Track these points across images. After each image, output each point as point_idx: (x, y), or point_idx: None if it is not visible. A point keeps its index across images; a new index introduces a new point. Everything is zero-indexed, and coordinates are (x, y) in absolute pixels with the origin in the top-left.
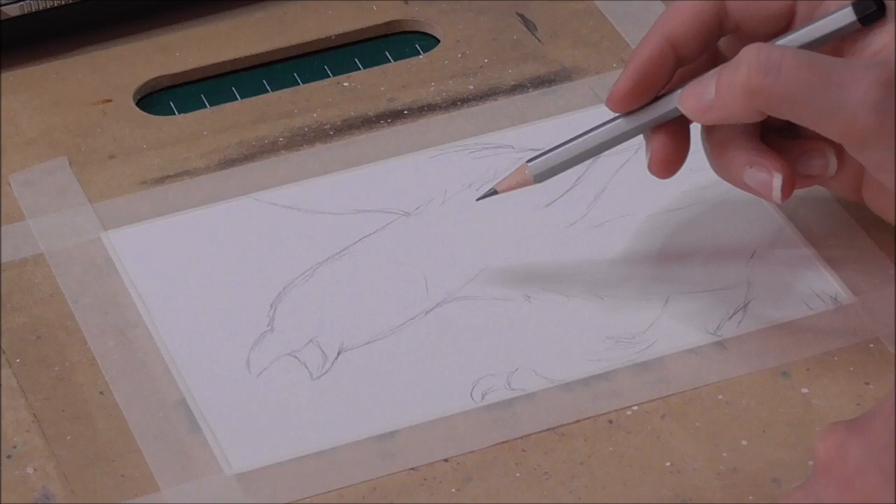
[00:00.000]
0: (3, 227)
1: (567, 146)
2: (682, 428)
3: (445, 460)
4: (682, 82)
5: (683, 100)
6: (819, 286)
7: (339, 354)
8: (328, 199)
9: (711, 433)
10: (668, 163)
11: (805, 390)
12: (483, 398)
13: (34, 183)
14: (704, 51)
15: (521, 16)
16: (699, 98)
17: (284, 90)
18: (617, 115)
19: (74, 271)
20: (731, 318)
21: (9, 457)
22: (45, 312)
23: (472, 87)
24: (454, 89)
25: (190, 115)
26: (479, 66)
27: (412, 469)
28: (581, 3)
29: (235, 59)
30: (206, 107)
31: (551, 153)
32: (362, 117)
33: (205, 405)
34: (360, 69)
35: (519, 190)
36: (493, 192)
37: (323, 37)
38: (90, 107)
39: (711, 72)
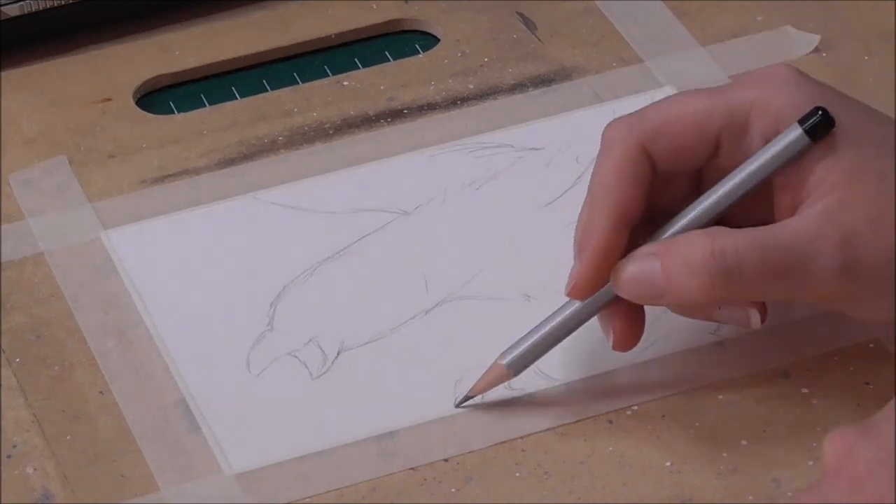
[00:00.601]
0: (2, 227)
1: (539, 334)
2: (682, 428)
3: (445, 460)
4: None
5: (628, 289)
6: None
7: (338, 354)
8: (328, 199)
9: (711, 433)
10: (630, 338)
11: (805, 390)
12: (483, 398)
13: (34, 182)
14: (645, 206)
15: (521, 15)
16: (647, 286)
17: (284, 89)
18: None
19: (74, 271)
20: None
21: (9, 457)
22: (44, 312)
23: (471, 87)
24: (454, 88)
25: (190, 115)
26: (478, 65)
27: (412, 469)
28: (581, 3)
29: (235, 58)
30: (205, 106)
31: (523, 345)
32: (362, 116)
33: (204, 405)
34: (359, 68)
35: (519, 189)
36: (469, 397)
37: (323, 36)
38: (90, 106)
39: (648, 250)
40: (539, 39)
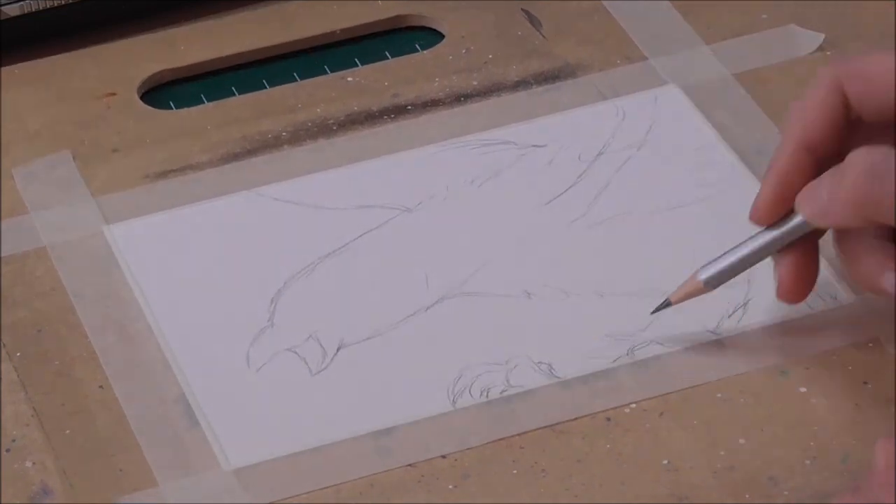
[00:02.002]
0: (5, 221)
1: (739, 254)
2: (679, 426)
3: (443, 457)
4: None
5: (801, 202)
6: (819, 285)
7: (338, 350)
8: (330, 195)
9: (709, 431)
10: (799, 286)
11: (803, 389)
12: (482, 395)
13: (37, 176)
14: (840, 145)
15: (527, 12)
16: (814, 202)
17: (288, 85)
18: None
19: (76, 265)
20: (730, 316)
21: (8, 450)
22: (46, 306)
23: (475, 83)
24: (458, 85)
25: (193, 110)
26: (483, 62)
27: (410, 465)
28: (586, 1)
29: (241, 54)
30: (209, 101)
31: (723, 261)
32: (365, 112)
33: (204, 400)
34: (364, 64)
35: (522, 186)
36: (668, 304)
37: (328, 32)
38: (94, 100)
39: (828, 171)
40: (544, 37)
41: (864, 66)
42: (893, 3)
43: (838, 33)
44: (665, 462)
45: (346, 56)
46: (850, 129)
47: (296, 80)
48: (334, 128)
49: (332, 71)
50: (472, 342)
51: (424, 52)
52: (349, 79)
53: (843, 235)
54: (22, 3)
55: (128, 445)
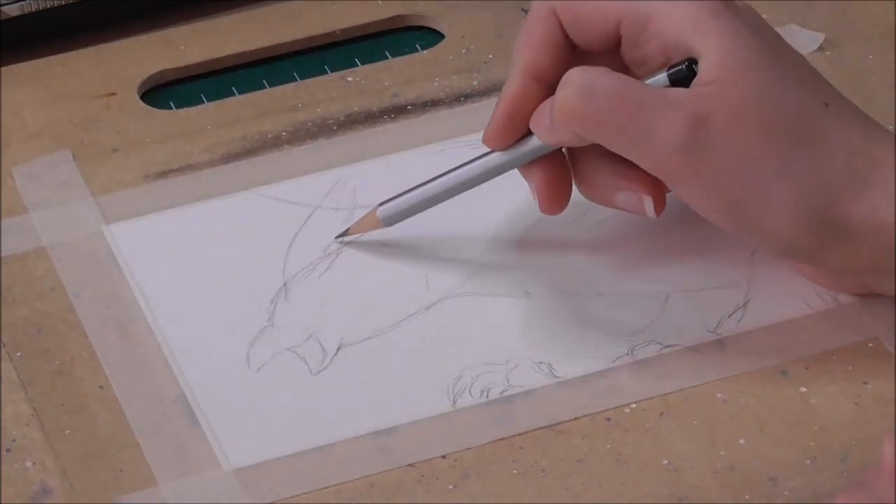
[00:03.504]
0: (5, 220)
1: (420, 189)
2: (679, 426)
3: (443, 457)
4: None
5: (533, 121)
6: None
7: (338, 350)
8: (330, 194)
9: (709, 431)
10: (553, 197)
11: (803, 389)
12: (482, 395)
13: (37, 176)
14: (565, 69)
15: (526, 12)
16: (541, 119)
17: (288, 85)
18: (483, 153)
19: (76, 265)
20: (730, 316)
21: (8, 450)
22: (46, 306)
23: (476, 83)
24: (458, 85)
25: (193, 110)
26: (483, 61)
27: (410, 465)
28: None
29: (241, 54)
30: (209, 101)
31: (403, 196)
32: (366, 112)
33: (204, 400)
34: (364, 64)
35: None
36: (346, 233)
37: (328, 32)
38: (94, 100)
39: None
40: None
41: None
42: (893, 3)
43: (838, 33)
44: (665, 462)
45: (346, 56)
46: (574, 53)
47: (296, 80)
48: (334, 127)
49: (332, 71)
50: (472, 342)
51: (424, 51)
52: (349, 78)
53: (573, 153)
54: (22, 3)
55: (128, 445)
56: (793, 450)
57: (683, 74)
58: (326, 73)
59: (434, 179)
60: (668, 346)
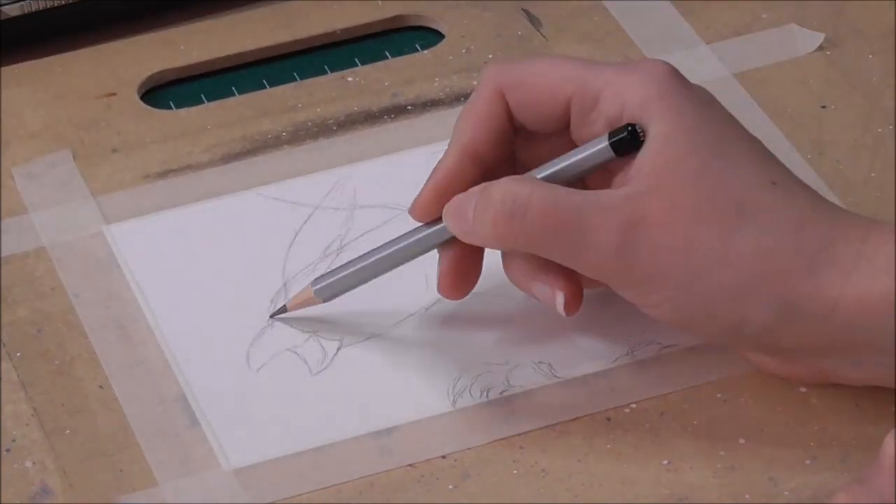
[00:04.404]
0: (5, 220)
1: (354, 268)
2: (680, 426)
3: (443, 457)
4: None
5: (448, 217)
6: None
7: (338, 350)
8: (330, 194)
9: (709, 431)
10: (456, 285)
11: (803, 389)
12: (482, 395)
13: (37, 176)
14: (505, 150)
15: (527, 12)
16: (461, 219)
17: (288, 85)
18: (410, 230)
19: (76, 265)
20: None
21: (8, 450)
22: (46, 306)
23: (476, 83)
24: (458, 85)
25: (193, 110)
26: (483, 61)
27: (410, 465)
28: (586, 0)
29: (241, 54)
30: (209, 101)
31: (338, 275)
32: (365, 112)
33: (204, 400)
34: (364, 64)
35: None
36: (283, 310)
37: (328, 32)
38: (94, 100)
39: (475, 189)
40: (544, 36)
41: (523, 77)
42: (893, 3)
43: (838, 33)
44: (665, 462)
45: (346, 56)
46: (517, 134)
47: (296, 80)
48: (334, 127)
49: (332, 71)
50: (472, 342)
51: (424, 51)
52: (349, 78)
53: None
54: (22, 3)
55: (128, 445)
56: (793, 450)
57: (627, 141)
58: (326, 73)
59: (369, 254)
60: (668, 346)
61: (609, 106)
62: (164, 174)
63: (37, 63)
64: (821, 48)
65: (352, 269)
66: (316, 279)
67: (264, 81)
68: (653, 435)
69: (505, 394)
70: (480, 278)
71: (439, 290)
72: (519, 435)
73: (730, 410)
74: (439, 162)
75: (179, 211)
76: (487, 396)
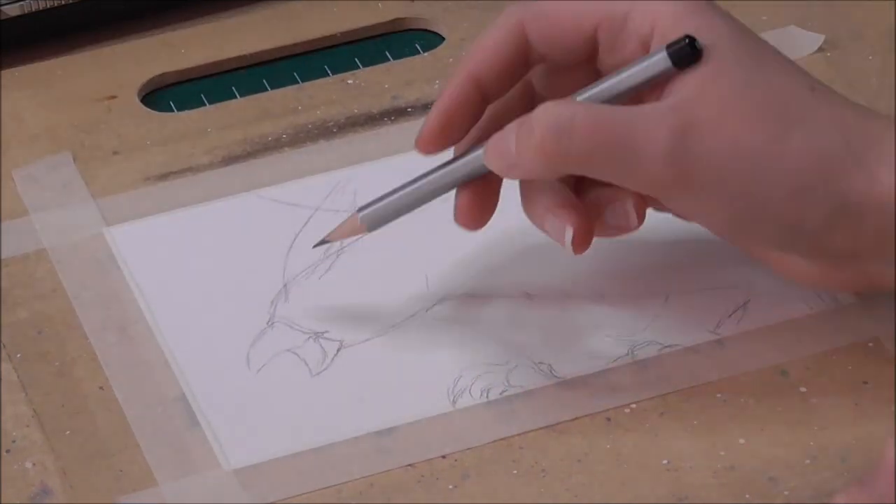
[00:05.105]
0: (5, 222)
1: (401, 193)
2: (679, 426)
3: (443, 457)
4: (493, 118)
5: (489, 157)
6: None
7: (338, 351)
8: (331, 197)
9: (709, 431)
10: (473, 215)
11: (803, 389)
12: (482, 395)
13: (38, 178)
14: (511, 86)
15: None
16: (503, 157)
17: (289, 87)
18: (453, 158)
19: (76, 267)
20: (730, 316)
21: (8, 451)
22: (46, 308)
23: None
24: None
25: (194, 112)
26: None
27: (410, 465)
28: None
29: (241, 56)
30: (210, 103)
31: (383, 201)
32: (366, 115)
33: (204, 401)
34: (364, 66)
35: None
36: (325, 242)
37: (328, 34)
38: (95, 103)
39: (513, 124)
40: None
41: (546, 9)
42: (893, 3)
43: (838, 33)
44: (665, 462)
45: (346, 58)
46: (526, 71)
47: (296, 82)
48: (335, 130)
49: (332, 73)
50: (472, 342)
51: (425, 54)
52: (350, 81)
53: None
54: (22, 3)
55: (128, 445)
56: (793, 450)
57: (686, 52)
58: (327, 75)
59: (417, 180)
60: (668, 346)
61: (639, 25)
62: (164, 176)
63: (37, 66)
64: (821, 49)
65: (398, 195)
66: (361, 207)
67: (265, 83)
68: (652, 435)
69: (505, 394)
70: (480, 278)
71: (458, 220)
72: (519, 435)
73: (730, 410)
74: (443, 90)
75: (180, 213)
76: (487, 396)
